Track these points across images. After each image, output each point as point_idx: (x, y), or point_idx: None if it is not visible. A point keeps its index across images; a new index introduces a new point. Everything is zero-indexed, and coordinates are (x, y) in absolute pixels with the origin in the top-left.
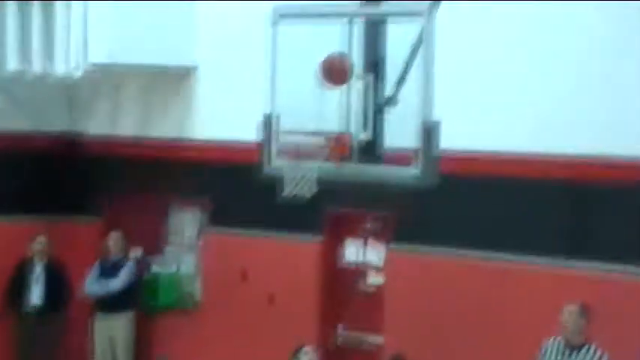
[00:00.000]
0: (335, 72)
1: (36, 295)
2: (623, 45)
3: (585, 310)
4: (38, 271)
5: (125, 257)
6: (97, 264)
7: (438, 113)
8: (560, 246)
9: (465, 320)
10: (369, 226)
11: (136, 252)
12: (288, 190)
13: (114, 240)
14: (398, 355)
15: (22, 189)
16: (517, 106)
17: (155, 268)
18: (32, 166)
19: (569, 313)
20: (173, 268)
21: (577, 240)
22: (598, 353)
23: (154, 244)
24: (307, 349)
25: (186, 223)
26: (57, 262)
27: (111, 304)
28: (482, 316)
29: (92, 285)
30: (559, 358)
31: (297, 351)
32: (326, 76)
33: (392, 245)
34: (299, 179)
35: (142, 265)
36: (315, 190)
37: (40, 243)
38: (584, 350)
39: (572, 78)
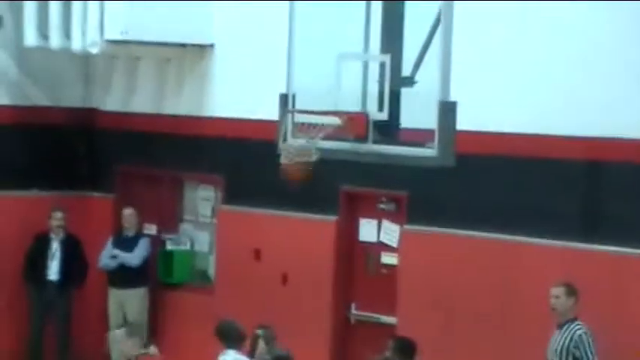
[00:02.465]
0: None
1: (53, 269)
2: None
3: (572, 289)
4: (55, 246)
5: (139, 233)
6: (110, 239)
7: (454, 93)
8: (574, 226)
9: (478, 300)
10: (384, 205)
11: (151, 228)
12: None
13: (128, 216)
14: (402, 340)
15: (37, 163)
16: (534, 86)
17: (169, 245)
18: (48, 140)
19: (556, 296)
20: (187, 246)
21: (591, 220)
22: (575, 328)
23: (169, 221)
24: (260, 330)
25: (200, 201)
26: (74, 237)
27: (124, 279)
28: (496, 296)
29: (106, 259)
30: (553, 337)
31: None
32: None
33: (407, 225)
34: (315, 157)
35: (156, 241)
36: (331, 167)
37: (57, 218)
38: (565, 326)
39: (590, 58)
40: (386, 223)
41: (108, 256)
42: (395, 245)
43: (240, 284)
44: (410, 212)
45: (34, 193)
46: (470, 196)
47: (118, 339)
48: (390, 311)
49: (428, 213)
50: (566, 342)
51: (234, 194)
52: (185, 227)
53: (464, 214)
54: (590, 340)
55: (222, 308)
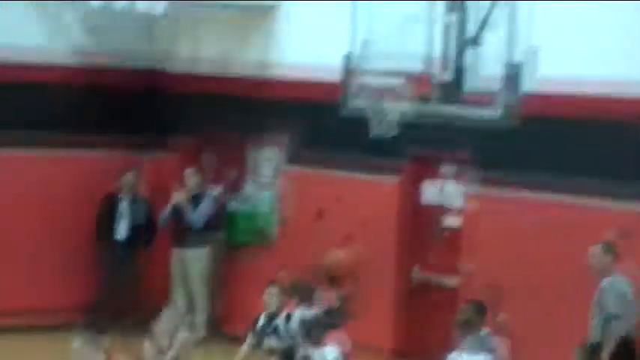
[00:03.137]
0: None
1: (122, 229)
2: None
3: (609, 247)
4: (124, 207)
5: (203, 193)
6: (173, 200)
7: (519, 55)
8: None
9: (543, 262)
10: (448, 167)
11: (215, 188)
12: (371, 129)
13: (192, 176)
14: (477, 302)
15: (103, 124)
16: (601, 50)
17: (233, 205)
18: (113, 101)
19: (592, 255)
20: (251, 206)
21: None
22: (603, 282)
23: (233, 182)
24: (168, 313)
25: (265, 161)
26: (142, 198)
27: (187, 239)
28: (560, 259)
29: (167, 220)
30: None
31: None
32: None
33: (470, 187)
34: (379, 119)
35: (220, 201)
36: (394, 129)
37: (128, 179)
38: (604, 280)
39: None
40: (449, 185)
41: (170, 216)
42: (458, 207)
43: (303, 244)
44: (474, 174)
45: (100, 154)
46: (534, 158)
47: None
48: (453, 273)
49: (492, 175)
50: (596, 296)
51: (297, 155)
52: (249, 188)
53: (528, 176)
54: (620, 291)
55: (284, 267)
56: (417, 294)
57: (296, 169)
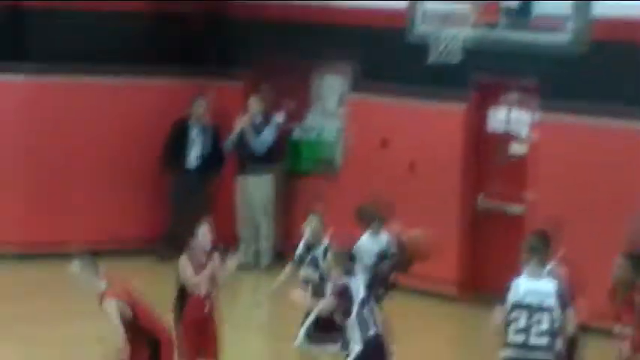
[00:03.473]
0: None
1: (193, 156)
2: None
3: None
4: (195, 134)
5: (266, 121)
6: (238, 126)
7: None
8: None
9: (609, 189)
10: (515, 93)
11: (279, 116)
12: (434, 56)
13: (255, 103)
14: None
15: (172, 51)
16: None
17: (297, 134)
18: (181, 28)
19: None
20: (315, 134)
21: None
22: None
23: (297, 110)
24: (205, 226)
25: (329, 89)
26: (213, 125)
27: (251, 166)
28: (626, 185)
29: (233, 145)
30: None
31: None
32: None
33: (538, 113)
34: (445, 45)
35: (284, 129)
36: (460, 56)
37: (198, 107)
38: None
39: None
40: (515, 113)
41: (235, 142)
42: (524, 135)
43: (366, 173)
44: (541, 101)
45: (167, 82)
46: (603, 85)
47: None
48: (518, 201)
49: (559, 102)
50: None
51: (362, 83)
52: (313, 116)
53: (596, 102)
54: None
55: (348, 196)
56: (482, 221)
57: (360, 98)
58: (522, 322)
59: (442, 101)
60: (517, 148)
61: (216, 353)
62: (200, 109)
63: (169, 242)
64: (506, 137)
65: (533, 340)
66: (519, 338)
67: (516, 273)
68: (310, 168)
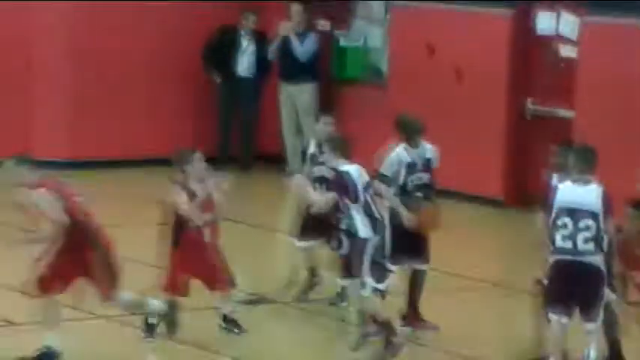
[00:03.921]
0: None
1: (244, 65)
2: None
3: None
4: (246, 43)
5: (309, 29)
6: (281, 33)
7: None
8: None
9: None
10: None
11: (325, 25)
12: None
13: (296, 12)
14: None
15: None
16: None
17: (342, 41)
18: None
19: None
20: (360, 42)
21: None
22: None
23: (342, 18)
24: (198, 153)
25: None
26: (263, 35)
27: (294, 74)
28: None
29: (276, 53)
30: None
31: (187, 154)
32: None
33: (587, 17)
34: None
35: (330, 38)
36: None
37: (251, 21)
38: None
39: None
40: (565, 15)
41: (275, 46)
42: (574, 38)
43: (413, 80)
44: (591, 2)
45: None
46: None
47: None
48: (568, 105)
49: (609, 3)
50: None
51: None
52: (358, 23)
53: None
54: None
55: (395, 104)
56: (531, 126)
57: (406, 4)
58: (569, 228)
59: (489, 6)
60: (567, 51)
61: (218, 281)
62: (250, 20)
63: (219, 148)
64: (556, 40)
65: (581, 246)
66: (567, 244)
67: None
68: (356, 74)
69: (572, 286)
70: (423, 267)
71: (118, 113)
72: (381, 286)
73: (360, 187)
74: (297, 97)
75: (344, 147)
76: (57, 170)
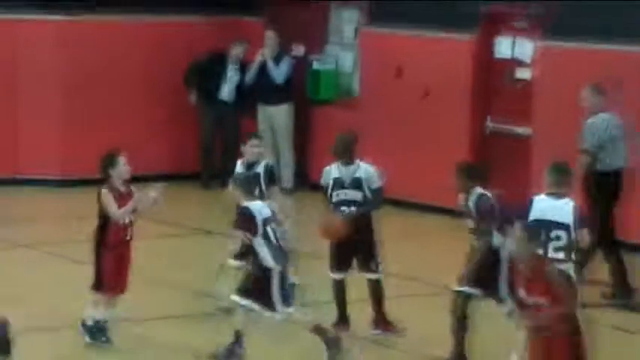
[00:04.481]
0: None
1: (227, 91)
2: None
3: (599, 88)
4: (232, 72)
5: (285, 52)
6: (258, 59)
7: None
8: None
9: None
10: (520, 22)
11: (298, 49)
12: None
13: (269, 38)
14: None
15: None
16: None
17: (316, 65)
18: None
19: (583, 96)
20: (333, 65)
21: None
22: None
23: (315, 42)
24: (123, 156)
25: (345, 22)
26: (244, 64)
27: (270, 95)
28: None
29: (254, 77)
30: None
31: (112, 158)
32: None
33: (541, 40)
34: None
35: (304, 62)
36: None
37: (240, 51)
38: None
39: None
40: (520, 40)
41: (254, 74)
42: (529, 61)
43: (383, 100)
44: (545, 27)
45: (198, 18)
46: (607, 9)
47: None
48: (525, 123)
49: (562, 29)
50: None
51: (376, 15)
52: (331, 48)
53: (598, 26)
54: (594, 128)
55: (366, 122)
56: (490, 142)
57: (375, 30)
58: (542, 237)
59: (452, 32)
60: (522, 73)
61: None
62: (240, 50)
63: (205, 169)
64: (513, 63)
65: (551, 254)
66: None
67: (523, 191)
68: (329, 96)
69: None
70: (373, 277)
71: (107, 131)
72: (290, 310)
73: (259, 220)
74: (274, 118)
75: (247, 185)
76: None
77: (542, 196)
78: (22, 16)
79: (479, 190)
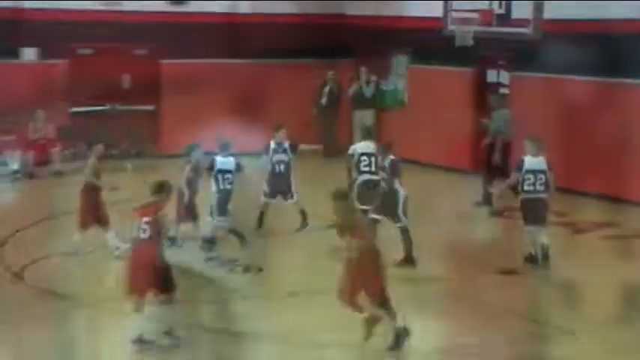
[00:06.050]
0: None
1: (325, 99)
2: None
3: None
4: (327, 89)
5: (369, 79)
6: (355, 85)
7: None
8: None
9: (571, 125)
10: (501, 61)
11: (374, 78)
12: (458, 42)
13: (363, 71)
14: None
15: (310, 46)
16: None
17: (384, 86)
18: (313, 35)
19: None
20: (393, 86)
21: None
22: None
23: (385, 74)
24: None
25: (400, 62)
26: (339, 86)
27: (362, 104)
28: (578, 127)
29: (354, 94)
30: None
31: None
32: None
33: (514, 72)
34: (462, 36)
35: (377, 83)
36: (471, 41)
37: (331, 76)
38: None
39: None
40: (502, 72)
41: (352, 90)
42: (507, 84)
43: (418, 109)
44: (517, 64)
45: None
46: (553, 56)
47: None
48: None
49: (530, 65)
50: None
51: (418, 58)
52: (392, 77)
53: (550, 66)
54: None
55: (413, 121)
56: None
57: (416, 67)
58: (531, 180)
59: (460, 67)
60: (503, 91)
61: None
62: (330, 77)
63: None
64: (497, 85)
65: (538, 188)
66: (531, 187)
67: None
68: (391, 105)
69: (535, 209)
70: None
71: None
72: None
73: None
74: (364, 117)
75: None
76: None
77: (529, 157)
78: None
79: (391, 156)
